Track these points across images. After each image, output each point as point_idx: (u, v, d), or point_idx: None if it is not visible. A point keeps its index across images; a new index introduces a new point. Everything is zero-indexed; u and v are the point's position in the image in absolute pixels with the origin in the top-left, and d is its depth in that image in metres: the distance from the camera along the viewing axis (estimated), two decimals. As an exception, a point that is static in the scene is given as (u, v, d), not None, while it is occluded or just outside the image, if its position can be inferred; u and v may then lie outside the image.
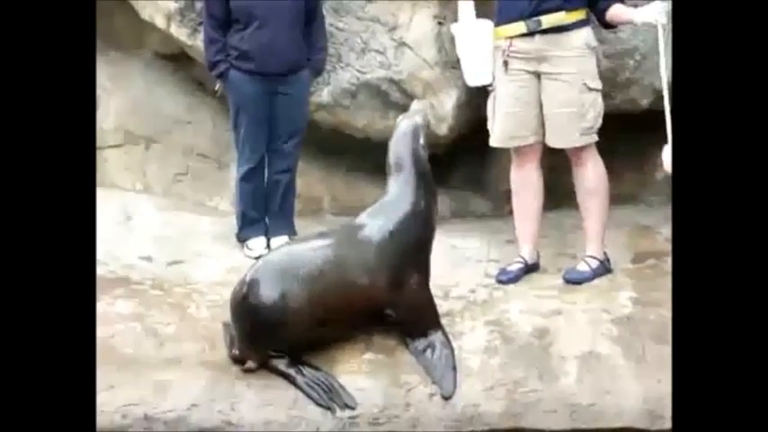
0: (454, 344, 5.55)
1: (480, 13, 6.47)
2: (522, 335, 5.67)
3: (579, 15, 6.12)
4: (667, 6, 5.84)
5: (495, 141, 6.35)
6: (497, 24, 6.25)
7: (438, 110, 6.80)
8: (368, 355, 5.52)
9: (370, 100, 6.96)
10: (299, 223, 6.83)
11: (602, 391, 5.39)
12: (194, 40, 7.03)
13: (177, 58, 7.49)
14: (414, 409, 5.33)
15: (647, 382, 5.40)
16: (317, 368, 5.39)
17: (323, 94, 6.95)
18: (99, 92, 7.28)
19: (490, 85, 6.32)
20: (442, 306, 5.75)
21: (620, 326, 5.71)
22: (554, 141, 6.21)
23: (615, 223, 6.58)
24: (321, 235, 5.74)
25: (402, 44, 6.86)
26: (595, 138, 6.19)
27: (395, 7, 6.88)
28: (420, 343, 5.53)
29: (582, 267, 6.23)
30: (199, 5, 6.89)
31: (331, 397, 5.31)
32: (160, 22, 7.15)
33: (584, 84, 6.10)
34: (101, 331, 5.17)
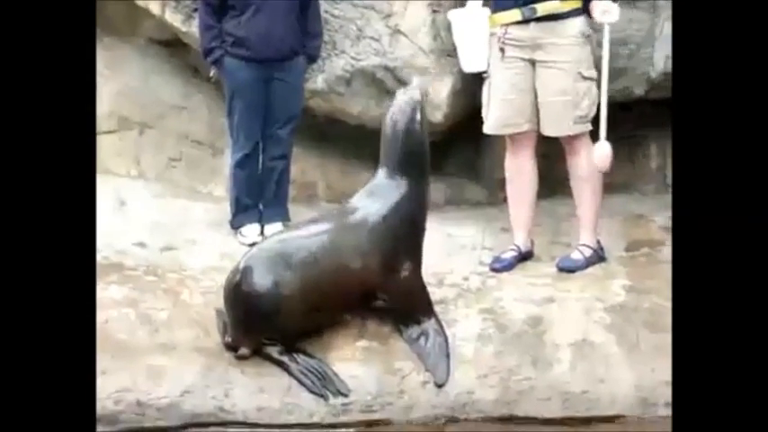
0: (448, 331, 5.56)
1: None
2: (516, 323, 5.68)
3: (574, 4, 6.12)
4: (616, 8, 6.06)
5: (489, 128, 6.35)
6: (494, 11, 6.26)
7: (433, 97, 6.79)
8: (361, 343, 5.53)
9: (365, 87, 6.94)
10: (293, 210, 6.82)
11: (596, 378, 5.41)
12: (189, 27, 7.01)
13: (172, 44, 7.46)
14: (407, 397, 5.34)
15: (640, 370, 5.42)
16: (310, 355, 5.40)
17: (317, 80, 6.93)
18: (93, 77, 7.27)
19: (485, 71, 6.33)
20: (435, 294, 5.75)
21: (613, 314, 5.73)
22: (548, 129, 6.21)
23: (609, 212, 6.58)
24: (313, 221, 5.75)
25: (397, 31, 6.85)
26: (589, 126, 6.20)
27: (390, -6, 6.88)
28: (413, 330, 5.53)
29: (575, 255, 6.24)
30: (193, -9, 6.89)
31: (324, 384, 5.32)
32: (155, 7, 7.13)
33: (579, 72, 6.11)
34: (94, 317, 5.17)
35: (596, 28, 6.25)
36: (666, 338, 5.47)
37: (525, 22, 6.12)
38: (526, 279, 6.11)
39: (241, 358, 5.40)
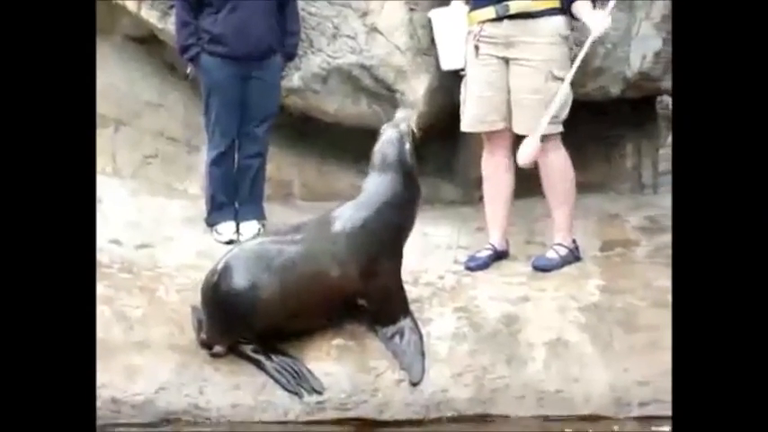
0: (423, 330, 5.57)
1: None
2: (491, 321, 5.69)
3: (550, 3, 6.13)
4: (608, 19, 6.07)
5: (465, 126, 6.36)
6: (471, 9, 6.28)
7: (409, 96, 6.80)
8: (336, 341, 5.53)
9: (341, 85, 6.94)
10: (268, 208, 6.82)
11: (570, 378, 5.43)
12: (165, 24, 7.00)
13: (148, 42, 7.45)
14: (381, 395, 5.35)
15: (614, 370, 5.44)
16: (284, 353, 5.40)
17: (293, 78, 6.93)
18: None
19: (463, 69, 6.34)
20: (411, 292, 5.76)
21: (587, 313, 5.74)
22: (519, 128, 6.21)
23: (584, 211, 6.60)
24: (295, 228, 5.74)
25: (374, 29, 6.85)
26: (560, 128, 6.20)
27: (367, -8, 6.88)
28: (389, 329, 5.54)
29: (551, 255, 6.25)
30: (170, -12, 6.88)
31: (299, 382, 5.33)
32: (131, 5, 7.11)
33: (551, 72, 6.10)
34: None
35: (576, 28, 6.26)
36: (640, 338, 5.55)
37: (499, 19, 6.14)
38: (501, 278, 6.12)
39: (216, 356, 5.41)
